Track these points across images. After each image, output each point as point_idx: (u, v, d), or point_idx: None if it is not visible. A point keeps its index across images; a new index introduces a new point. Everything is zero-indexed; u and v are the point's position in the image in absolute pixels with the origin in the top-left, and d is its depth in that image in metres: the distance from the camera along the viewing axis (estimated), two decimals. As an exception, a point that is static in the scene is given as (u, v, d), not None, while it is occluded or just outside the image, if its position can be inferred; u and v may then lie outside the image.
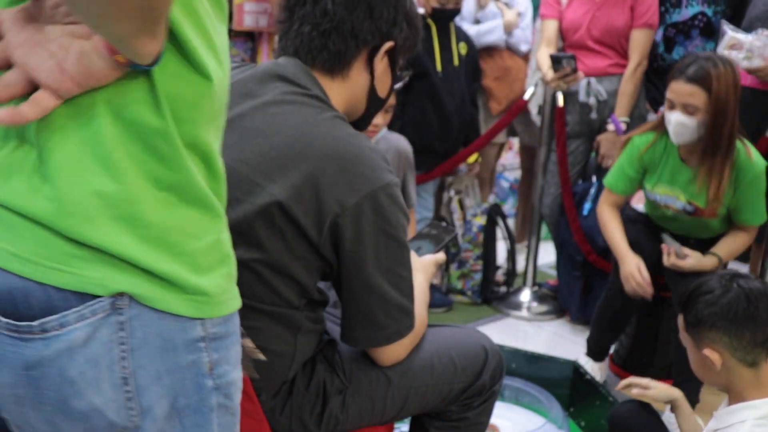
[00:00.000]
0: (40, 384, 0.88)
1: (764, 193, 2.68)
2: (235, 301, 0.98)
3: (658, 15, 3.40)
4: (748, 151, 2.63)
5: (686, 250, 2.68)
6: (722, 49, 2.85)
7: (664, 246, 2.73)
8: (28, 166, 0.84)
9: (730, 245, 2.74)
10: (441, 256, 1.89)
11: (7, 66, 0.81)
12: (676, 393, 1.91)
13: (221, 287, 0.94)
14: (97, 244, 0.85)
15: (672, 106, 2.59)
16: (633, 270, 2.72)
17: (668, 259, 2.69)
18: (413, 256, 1.73)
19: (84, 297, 0.86)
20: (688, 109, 2.54)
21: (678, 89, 2.55)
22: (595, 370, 2.98)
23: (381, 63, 1.58)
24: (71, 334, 0.86)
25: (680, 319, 1.80)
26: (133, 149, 0.85)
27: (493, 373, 1.80)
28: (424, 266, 1.80)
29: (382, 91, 1.64)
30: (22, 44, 0.80)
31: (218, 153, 0.94)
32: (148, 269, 0.87)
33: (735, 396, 1.72)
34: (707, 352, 1.70)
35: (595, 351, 3.01)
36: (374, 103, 1.65)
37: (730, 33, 2.87)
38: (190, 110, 0.88)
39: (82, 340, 0.87)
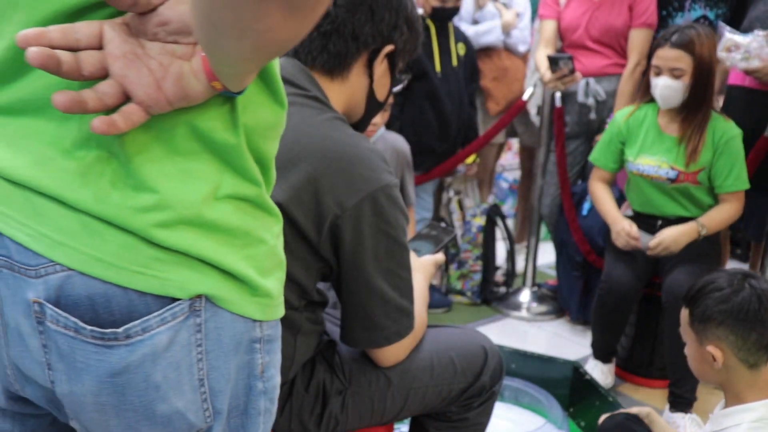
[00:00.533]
0: (125, 390, 0.88)
1: (743, 159, 2.79)
2: (284, 305, 1.01)
3: (656, 14, 3.40)
4: (723, 116, 2.82)
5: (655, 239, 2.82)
6: (720, 51, 2.86)
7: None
8: (109, 175, 0.84)
9: (716, 213, 2.83)
10: (440, 256, 1.89)
11: (103, 75, 0.80)
12: (644, 410, 1.92)
13: (279, 290, 0.98)
14: (180, 248, 0.86)
15: (659, 72, 2.76)
16: (625, 226, 2.89)
17: (652, 251, 2.81)
18: (412, 256, 1.73)
19: (163, 300, 0.87)
20: (674, 73, 2.72)
21: (664, 55, 2.73)
22: (605, 372, 2.99)
23: (380, 66, 1.58)
24: (154, 338, 0.87)
25: (684, 314, 1.78)
26: (210, 162, 0.88)
27: (493, 374, 1.80)
28: (423, 267, 1.81)
29: (380, 94, 1.64)
30: (122, 56, 0.79)
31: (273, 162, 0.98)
32: (225, 270, 0.89)
33: (732, 397, 1.72)
34: (711, 348, 1.69)
35: (601, 353, 3.02)
36: (372, 106, 1.65)
37: (728, 35, 2.88)
38: (265, 131, 0.93)
39: (165, 344, 0.88)
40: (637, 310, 3.04)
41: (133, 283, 0.85)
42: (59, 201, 0.84)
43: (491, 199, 4.32)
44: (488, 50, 3.95)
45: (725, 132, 2.76)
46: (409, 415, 1.77)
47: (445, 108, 3.59)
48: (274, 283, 0.96)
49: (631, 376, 3.11)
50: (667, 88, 2.73)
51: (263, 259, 0.94)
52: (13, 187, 0.85)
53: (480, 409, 1.81)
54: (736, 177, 2.77)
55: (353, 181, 1.44)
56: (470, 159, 3.89)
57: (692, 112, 2.75)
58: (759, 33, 2.84)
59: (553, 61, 3.37)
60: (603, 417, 1.96)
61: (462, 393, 1.76)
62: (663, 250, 2.77)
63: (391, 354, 1.64)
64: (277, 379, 1.01)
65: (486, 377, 1.78)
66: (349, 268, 1.48)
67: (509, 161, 5.21)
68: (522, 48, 4.03)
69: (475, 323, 3.58)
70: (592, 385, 2.67)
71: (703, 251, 2.79)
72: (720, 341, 1.69)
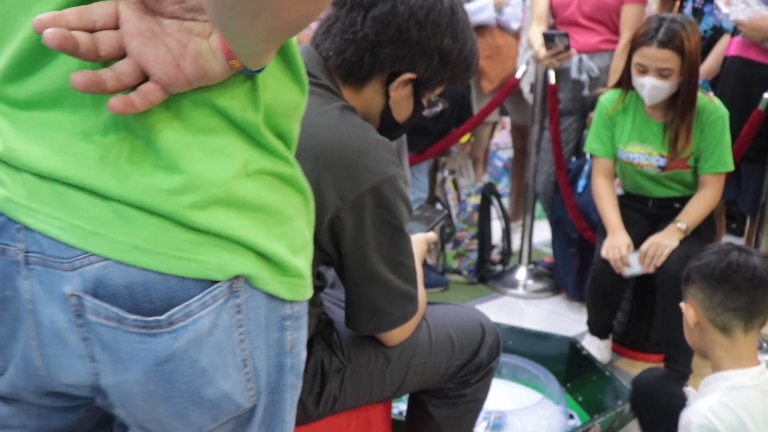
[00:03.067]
0: (172, 378, 0.87)
1: (728, 141, 2.76)
2: (312, 285, 1.00)
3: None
4: (710, 97, 2.76)
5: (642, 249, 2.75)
6: (720, 2, 2.89)
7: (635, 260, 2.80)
8: (137, 159, 0.83)
9: (694, 207, 2.79)
10: (432, 234, 1.90)
11: (120, 55, 0.79)
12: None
13: (308, 270, 0.97)
14: (215, 229, 0.85)
15: (644, 71, 2.67)
16: (621, 245, 2.78)
17: (648, 267, 2.74)
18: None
19: (203, 283, 0.86)
20: (662, 73, 2.64)
21: (651, 55, 2.63)
22: (602, 347, 3.00)
23: (400, 90, 1.54)
24: (197, 323, 0.86)
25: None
26: (236, 139, 0.87)
27: (490, 350, 1.81)
28: (415, 244, 1.81)
29: (399, 116, 1.60)
30: (138, 35, 0.78)
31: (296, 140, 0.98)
32: (258, 250, 0.88)
33: (715, 365, 1.78)
34: (683, 305, 1.78)
35: (597, 329, 3.04)
36: (390, 125, 1.61)
37: None
38: (287, 110, 0.92)
39: (208, 327, 0.87)
40: (633, 285, 3.06)
41: (172, 268, 0.84)
42: (89, 190, 0.83)
43: (486, 178, 4.32)
44: (481, 28, 3.94)
45: (711, 113, 2.73)
46: (408, 392, 1.79)
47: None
48: (303, 263, 0.96)
49: (627, 350, 3.13)
50: (655, 89, 2.66)
51: (293, 237, 0.93)
52: (40, 180, 0.84)
53: (478, 385, 1.82)
54: (717, 159, 2.76)
55: (358, 174, 1.41)
56: (464, 138, 3.89)
57: (682, 103, 2.69)
58: None
59: (549, 38, 3.36)
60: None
61: (460, 369, 1.77)
62: (655, 254, 2.71)
63: (397, 335, 1.65)
64: (303, 355, 1.01)
65: (483, 353, 1.79)
66: (353, 259, 1.48)
67: (504, 140, 5.21)
68: (514, 25, 4.02)
69: (472, 302, 3.60)
70: (588, 360, 2.69)
71: (697, 227, 2.80)
72: (692, 299, 1.78)
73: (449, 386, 1.79)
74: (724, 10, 2.93)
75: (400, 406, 2.45)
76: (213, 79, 0.82)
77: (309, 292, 0.98)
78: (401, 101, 1.57)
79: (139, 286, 0.84)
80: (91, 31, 0.77)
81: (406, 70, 1.51)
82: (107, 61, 0.79)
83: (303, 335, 1.00)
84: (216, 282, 0.86)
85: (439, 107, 1.68)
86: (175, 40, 0.79)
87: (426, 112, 1.65)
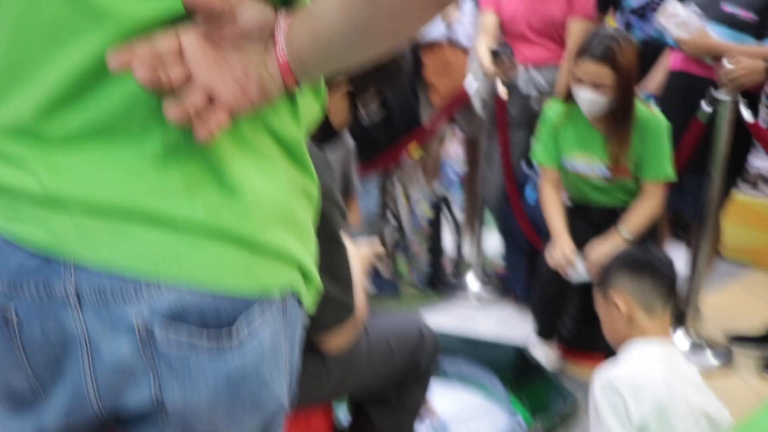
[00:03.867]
0: (239, 391, 0.90)
1: (668, 149, 2.84)
2: None
3: (595, 6, 3.48)
4: (649, 107, 2.85)
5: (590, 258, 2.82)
6: (660, 17, 2.98)
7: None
8: (203, 184, 0.85)
9: (636, 215, 2.86)
10: (377, 246, 1.94)
11: (185, 85, 0.81)
12: None
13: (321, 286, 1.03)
14: (275, 248, 0.89)
15: (580, 83, 2.75)
16: (565, 249, 2.85)
17: (591, 274, 2.78)
18: (350, 245, 1.78)
19: (260, 299, 0.89)
20: (597, 87, 2.71)
21: (586, 69, 2.71)
22: (547, 351, 3.06)
23: (333, 96, 1.60)
24: (259, 338, 0.89)
25: (596, 290, 1.96)
26: (282, 159, 0.91)
27: (429, 355, 1.85)
28: (360, 255, 1.85)
29: (335, 121, 1.67)
30: (205, 63, 0.81)
31: None
32: (301, 266, 0.94)
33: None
34: (614, 295, 1.89)
35: (543, 333, 3.10)
36: (326, 130, 1.66)
37: (672, 2, 3.01)
38: (309, 124, 0.97)
39: (268, 341, 0.91)
40: (579, 289, 3.12)
41: (240, 289, 0.87)
42: (150, 219, 0.83)
43: (438, 189, 4.37)
44: (431, 45, 3.97)
45: (650, 123, 2.81)
46: (346, 395, 1.82)
47: (389, 102, 3.62)
48: (318, 278, 1.01)
49: (574, 353, 3.19)
50: (591, 102, 2.74)
51: (314, 253, 0.98)
52: (92, 215, 0.83)
53: (417, 390, 1.86)
54: (656, 166, 2.84)
55: None
56: (416, 154, 3.94)
57: (616, 116, 2.77)
58: (695, 9, 2.97)
59: (495, 53, 3.43)
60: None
61: (398, 373, 1.81)
62: (599, 261, 2.72)
63: (334, 342, 1.68)
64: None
65: (422, 358, 1.83)
66: None
67: (456, 151, 5.26)
68: (466, 42, 4.07)
69: (423, 310, 3.63)
70: (534, 364, 2.74)
71: (641, 235, 2.86)
72: (620, 289, 1.90)
73: (388, 391, 1.83)
74: (666, 25, 3.03)
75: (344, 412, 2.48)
76: (271, 102, 0.86)
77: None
78: (335, 106, 1.64)
79: (209, 309, 0.86)
80: (160, 62, 0.79)
81: (340, 80, 1.57)
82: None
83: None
84: (271, 297, 0.90)
85: (374, 109, 1.72)
86: (237, 66, 0.82)
87: (366, 120, 1.70)
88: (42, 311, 0.87)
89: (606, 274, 1.96)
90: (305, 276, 0.96)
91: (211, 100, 0.82)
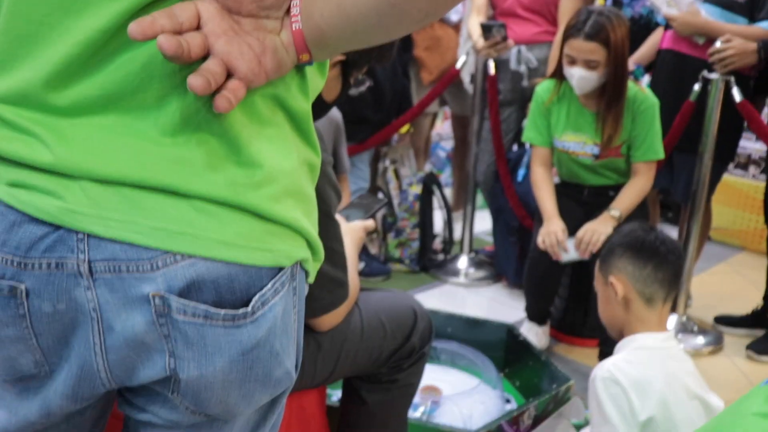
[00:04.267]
0: (253, 365, 0.90)
1: (658, 129, 2.84)
2: None
3: (585, -18, 3.46)
4: (640, 86, 2.84)
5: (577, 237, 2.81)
6: None
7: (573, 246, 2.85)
8: (216, 156, 0.84)
9: (626, 195, 2.86)
10: (369, 222, 1.92)
11: (205, 55, 0.80)
12: None
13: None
14: (286, 219, 0.88)
15: (573, 62, 2.75)
16: (556, 230, 2.84)
17: (584, 253, 2.79)
18: (342, 221, 1.75)
19: (272, 271, 0.89)
20: (590, 65, 2.71)
21: (578, 46, 2.71)
22: (539, 333, 3.06)
23: (330, 71, 1.56)
24: (273, 309, 0.89)
25: (596, 266, 1.92)
26: (290, 131, 0.91)
27: (423, 335, 1.84)
28: (352, 231, 1.83)
29: (328, 96, 1.64)
30: (223, 34, 0.80)
31: None
32: (307, 237, 0.93)
33: (627, 334, 1.85)
34: (612, 279, 1.83)
35: (535, 315, 3.09)
36: (319, 104, 1.63)
37: None
38: (314, 95, 0.96)
39: (281, 313, 0.91)
40: (569, 272, 3.12)
41: (254, 259, 0.86)
42: (165, 191, 0.83)
43: (427, 168, 4.35)
44: (421, 20, 3.95)
45: (641, 102, 2.81)
46: (340, 377, 1.80)
47: (378, 78, 3.60)
48: (322, 249, 1.00)
49: (564, 336, 3.20)
50: (583, 79, 2.74)
51: (316, 224, 0.98)
52: (103, 186, 0.83)
53: (410, 370, 1.84)
54: (648, 147, 2.83)
55: None
56: (404, 129, 3.91)
57: (609, 94, 2.77)
58: None
59: (486, 29, 3.40)
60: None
61: (392, 354, 1.79)
62: (591, 240, 2.75)
63: (327, 321, 1.66)
64: None
65: (415, 339, 1.81)
66: None
67: (446, 130, 5.24)
68: (454, 17, 4.05)
69: (413, 290, 3.63)
70: (525, 346, 2.73)
71: (631, 215, 2.86)
72: (620, 272, 1.84)
73: (382, 371, 1.81)
74: (657, 2, 3.01)
75: (338, 393, 2.46)
76: (285, 73, 0.85)
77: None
78: (330, 81, 1.61)
79: (224, 280, 0.85)
80: (179, 33, 0.78)
81: None
82: (193, 63, 0.79)
83: None
84: (282, 268, 0.90)
85: (365, 85, 1.71)
86: (254, 37, 0.81)
87: (353, 91, 1.68)
88: (52, 284, 0.86)
89: (608, 252, 1.90)
90: (312, 249, 0.96)
91: (227, 70, 0.81)
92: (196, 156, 0.83)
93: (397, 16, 0.80)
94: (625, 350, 1.77)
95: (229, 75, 0.81)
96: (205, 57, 0.80)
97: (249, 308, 0.87)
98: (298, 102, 0.91)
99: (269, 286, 0.89)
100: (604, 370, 1.72)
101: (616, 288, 1.83)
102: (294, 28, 0.83)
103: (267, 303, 0.89)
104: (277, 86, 0.88)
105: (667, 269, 1.82)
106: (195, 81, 0.77)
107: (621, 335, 1.88)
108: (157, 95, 0.82)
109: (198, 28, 0.80)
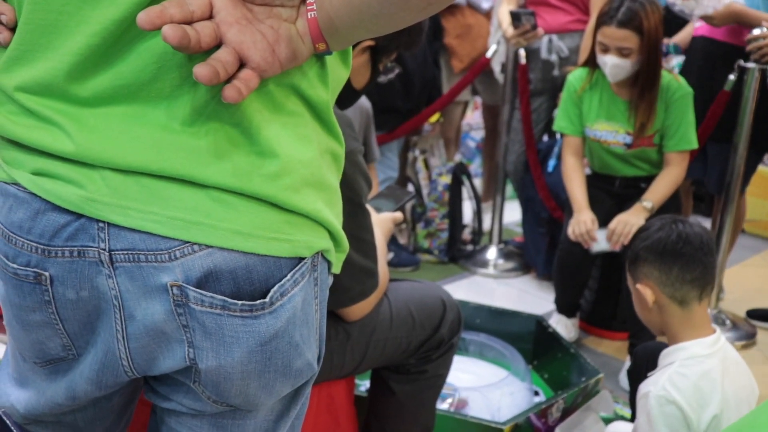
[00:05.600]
0: (272, 355, 0.91)
1: (692, 118, 2.80)
2: None
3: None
4: (674, 75, 2.81)
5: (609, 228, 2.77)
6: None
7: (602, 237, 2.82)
8: (232, 146, 0.84)
9: (658, 185, 2.82)
10: (398, 214, 1.91)
11: (217, 45, 0.79)
12: None
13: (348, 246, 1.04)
14: (305, 209, 0.88)
15: (605, 50, 2.72)
16: (586, 219, 2.81)
17: (616, 245, 2.76)
18: (372, 212, 1.74)
19: (292, 261, 0.89)
20: (622, 52, 2.68)
21: (611, 34, 2.67)
22: (568, 326, 3.03)
23: (358, 58, 1.56)
24: (292, 300, 0.89)
25: (626, 267, 1.87)
26: (311, 120, 0.90)
27: (451, 326, 1.83)
28: (382, 222, 1.83)
29: (358, 83, 1.63)
30: (236, 23, 0.79)
31: None
32: (329, 227, 0.93)
33: (671, 339, 1.80)
34: (640, 287, 1.78)
35: (564, 308, 3.06)
36: (348, 92, 1.63)
37: None
38: (337, 88, 0.97)
39: (300, 304, 0.91)
40: (600, 264, 3.08)
41: (271, 250, 0.86)
42: (183, 180, 0.83)
43: (457, 158, 4.32)
44: (451, 8, 3.93)
45: (675, 91, 2.77)
46: (369, 368, 1.80)
47: (408, 67, 3.58)
48: (346, 240, 1.00)
49: (594, 329, 3.16)
50: (616, 67, 2.71)
51: (341, 215, 0.98)
52: (123, 176, 0.83)
53: (439, 361, 1.84)
54: (681, 136, 2.79)
55: None
56: (434, 118, 3.89)
57: (642, 81, 2.73)
58: None
59: (516, 17, 3.36)
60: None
61: (421, 345, 1.79)
62: (623, 231, 2.73)
63: (357, 310, 1.66)
64: None
65: (444, 330, 1.80)
66: None
67: (476, 120, 5.21)
68: (485, 5, 4.01)
69: (442, 281, 3.61)
70: (554, 338, 2.71)
71: (663, 206, 2.83)
72: (647, 279, 1.79)
73: (410, 362, 1.80)
74: (687, 10, 2.95)
75: (366, 383, 2.46)
76: (300, 62, 0.85)
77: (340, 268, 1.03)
78: (359, 68, 1.60)
79: (241, 270, 0.86)
80: (190, 22, 0.78)
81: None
82: (205, 52, 0.79)
83: None
84: (303, 259, 0.90)
85: (395, 72, 1.70)
86: (268, 26, 0.81)
87: (382, 78, 1.67)
88: (75, 272, 0.87)
89: (633, 259, 1.83)
90: (334, 239, 0.96)
91: (240, 59, 0.80)
92: (213, 146, 0.83)
93: (398, 4, 0.78)
94: (677, 362, 1.70)
95: (243, 65, 0.80)
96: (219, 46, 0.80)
97: (267, 299, 0.87)
98: (317, 91, 0.90)
99: (288, 276, 0.88)
100: (659, 387, 1.66)
101: (646, 295, 1.78)
102: (309, 17, 0.82)
103: (286, 294, 0.88)
104: (294, 75, 0.87)
105: (695, 268, 1.76)
106: (201, 70, 0.76)
107: (663, 334, 1.83)
108: (174, 85, 0.82)
109: (211, 17, 0.79)
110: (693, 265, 1.76)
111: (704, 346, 1.72)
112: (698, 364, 1.69)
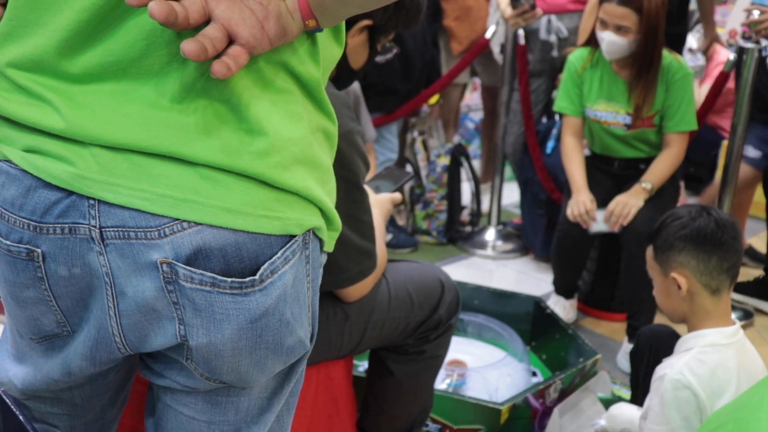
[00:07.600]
0: (263, 333, 0.91)
1: (692, 99, 2.80)
2: None
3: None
4: (676, 56, 2.80)
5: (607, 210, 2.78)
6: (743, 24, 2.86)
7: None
8: (220, 123, 0.84)
9: (658, 166, 2.82)
10: (397, 195, 1.92)
11: (205, 22, 0.79)
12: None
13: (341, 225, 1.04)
14: (295, 187, 0.88)
15: (604, 26, 2.71)
16: (585, 200, 2.81)
17: (614, 225, 2.77)
18: (370, 193, 1.75)
19: (283, 239, 0.89)
20: (620, 30, 2.67)
21: (611, 11, 2.67)
22: (567, 307, 3.05)
23: (356, 37, 1.55)
24: (283, 278, 0.90)
25: (649, 251, 1.86)
26: (301, 98, 0.90)
27: (450, 307, 1.83)
28: (380, 203, 1.83)
29: (355, 63, 1.62)
30: (224, 0, 0.79)
31: None
32: (321, 205, 0.93)
33: (692, 327, 1.78)
34: (675, 275, 1.75)
35: (562, 289, 3.07)
36: (346, 72, 1.62)
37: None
38: (329, 66, 0.96)
39: (291, 281, 0.91)
40: (598, 245, 3.09)
41: (261, 227, 0.86)
42: (172, 157, 0.83)
43: (456, 139, 4.32)
44: (451, -11, 3.91)
45: (676, 72, 2.77)
46: (367, 348, 1.81)
47: (407, 48, 3.57)
48: (339, 218, 1.00)
49: (592, 310, 3.17)
50: (612, 44, 2.71)
51: (333, 193, 0.98)
52: (112, 153, 0.83)
53: (437, 341, 1.84)
54: (681, 117, 2.79)
55: None
56: (433, 99, 3.88)
57: (639, 62, 2.73)
58: None
59: (514, -3, 3.35)
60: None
61: (419, 326, 1.79)
62: (622, 212, 2.74)
63: (355, 291, 1.67)
64: None
65: (442, 310, 1.81)
66: None
67: (475, 102, 5.20)
68: (485, -14, 3.99)
69: (441, 262, 3.62)
70: (553, 319, 2.72)
71: (662, 187, 2.83)
72: (683, 267, 1.76)
73: (408, 342, 1.81)
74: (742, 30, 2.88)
75: (364, 364, 2.47)
76: (290, 39, 0.84)
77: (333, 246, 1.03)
78: (357, 48, 1.59)
79: (231, 248, 0.86)
80: None
81: (362, 17, 1.52)
82: (194, 29, 0.79)
83: None
84: (294, 236, 0.90)
85: (392, 52, 1.69)
86: (257, 2, 0.81)
87: (380, 58, 1.67)
88: (66, 249, 0.88)
89: (666, 246, 1.79)
90: (326, 217, 0.96)
91: (229, 36, 0.80)
92: (202, 123, 0.83)
93: None
94: (696, 348, 1.69)
95: (232, 42, 0.80)
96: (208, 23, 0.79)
97: (257, 276, 0.87)
98: (308, 69, 0.89)
99: (279, 254, 0.88)
100: (675, 371, 1.65)
101: (680, 283, 1.75)
102: None
103: (277, 271, 0.89)
104: (284, 52, 0.86)
105: (732, 256, 1.74)
106: (188, 46, 0.76)
107: (683, 322, 1.82)
108: (163, 62, 0.82)
109: None
110: (731, 253, 1.74)
111: (724, 335, 1.71)
112: (717, 352, 1.68)
